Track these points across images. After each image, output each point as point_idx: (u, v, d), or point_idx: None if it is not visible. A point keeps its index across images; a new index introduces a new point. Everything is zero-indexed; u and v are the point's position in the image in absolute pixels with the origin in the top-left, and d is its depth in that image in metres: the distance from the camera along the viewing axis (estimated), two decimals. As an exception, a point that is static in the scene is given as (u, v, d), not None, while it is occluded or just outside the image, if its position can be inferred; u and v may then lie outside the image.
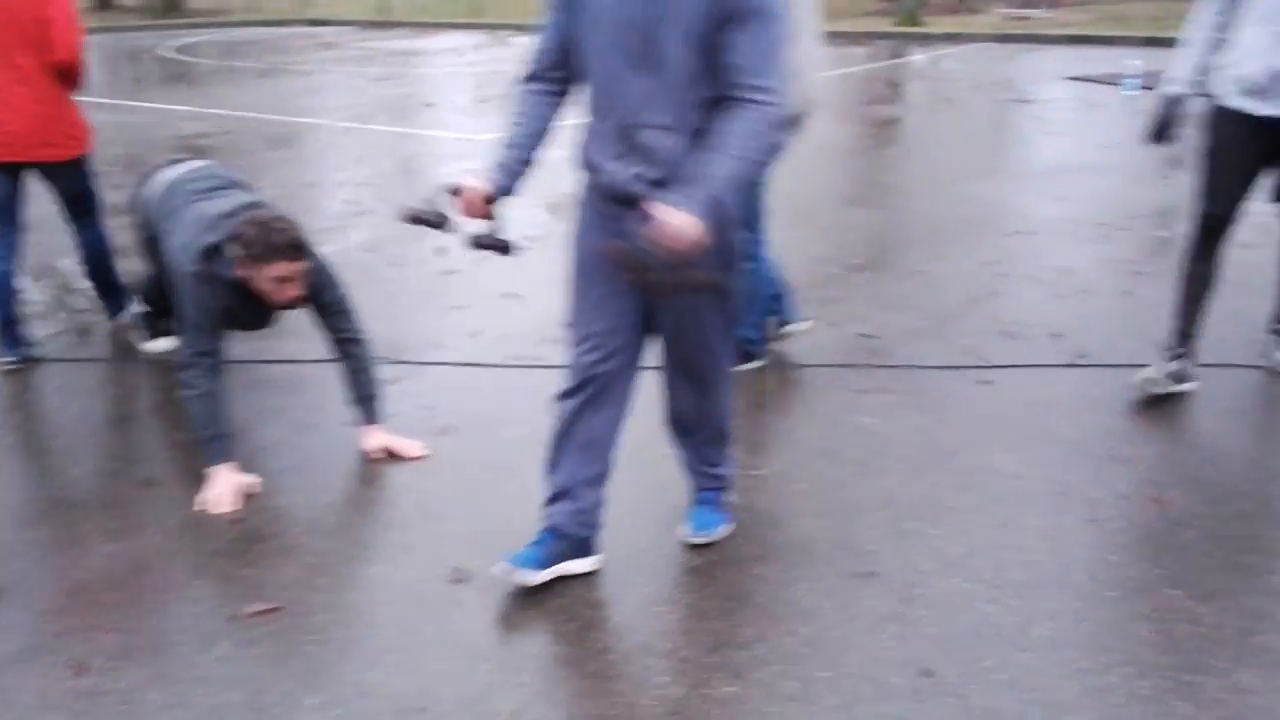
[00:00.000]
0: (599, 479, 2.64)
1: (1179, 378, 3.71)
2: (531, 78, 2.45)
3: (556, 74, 2.43)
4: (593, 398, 2.55)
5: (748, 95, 2.16)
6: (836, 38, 18.32)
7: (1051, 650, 2.42)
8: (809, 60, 3.52)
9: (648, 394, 3.61)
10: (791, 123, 3.58)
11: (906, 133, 9.07)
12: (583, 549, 2.68)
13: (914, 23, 18.84)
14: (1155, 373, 3.69)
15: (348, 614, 2.58)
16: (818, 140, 8.72)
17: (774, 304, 4.08)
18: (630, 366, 2.57)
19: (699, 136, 2.25)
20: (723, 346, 2.60)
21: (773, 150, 2.17)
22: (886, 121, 9.63)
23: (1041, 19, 19.35)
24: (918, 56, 15.12)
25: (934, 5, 20.21)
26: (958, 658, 2.39)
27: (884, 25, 19.19)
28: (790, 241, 5.71)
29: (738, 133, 2.16)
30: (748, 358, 3.99)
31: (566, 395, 2.58)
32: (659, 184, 2.30)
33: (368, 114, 10.48)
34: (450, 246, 5.70)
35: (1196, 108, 3.57)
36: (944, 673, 2.34)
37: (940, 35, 17.72)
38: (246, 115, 10.48)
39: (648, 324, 2.56)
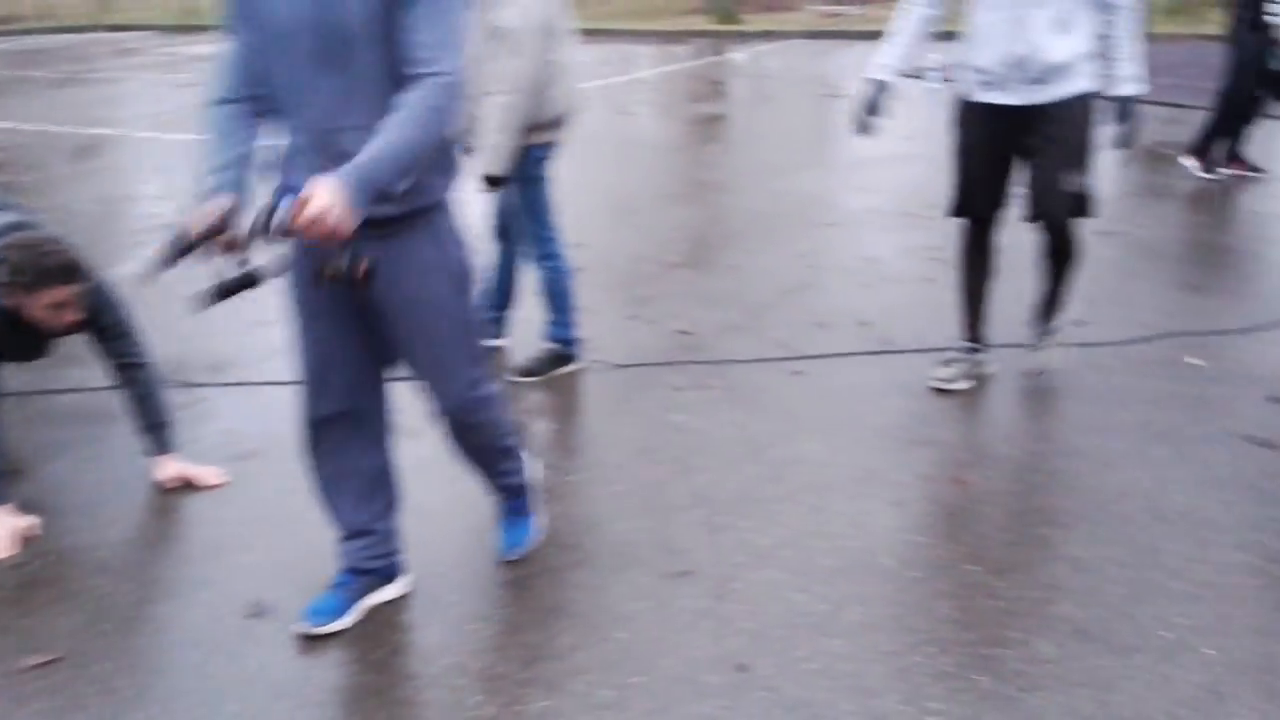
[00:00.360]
0: (389, 507, 2.54)
1: (970, 375, 3.77)
2: (222, 100, 2.22)
3: (248, 92, 2.22)
4: (346, 439, 2.42)
5: (422, 71, 2.04)
6: (655, 37, 18.51)
7: (860, 635, 2.46)
8: (567, 61, 3.55)
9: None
10: (556, 123, 3.60)
11: (726, 129, 9.22)
12: (387, 576, 2.58)
13: (731, 20, 19.20)
14: (946, 372, 3.78)
15: (136, 660, 2.42)
16: (640, 138, 8.77)
17: (501, 304, 4.06)
18: (373, 395, 2.43)
19: None
20: (471, 368, 2.40)
21: (447, 122, 2.05)
22: (706, 119, 9.77)
23: (853, 15, 20.01)
24: (736, 54, 15.40)
25: (751, 3, 20.64)
26: (770, 650, 2.41)
27: (702, 24, 19.50)
28: (609, 241, 5.71)
29: (408, 107, 2.02)
30: (564, 360, 3.95)
31: (316, 445, 2.43)
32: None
33: (171, 123, 9.99)
34: (251, 259, 5.46)
35: (900, 93, 3.63)
36: (757, 666, 2.35)
37: (756, 33, 18.10)
38: (39, 128, 9.84)
39: (386, 351, 2.42)
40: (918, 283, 4.92)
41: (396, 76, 2.07)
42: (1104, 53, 3.38)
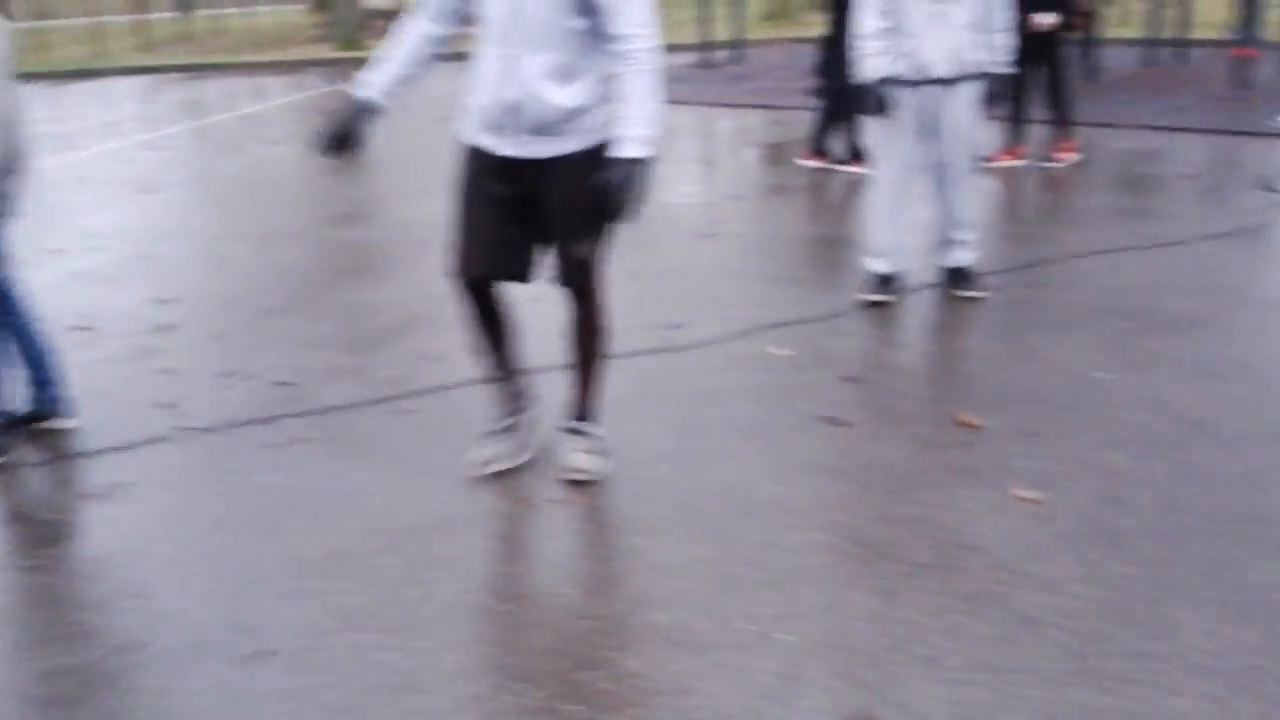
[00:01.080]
0: None
1: (513, 433, 3.35)
2: None
3: None
4: None
5: None
6: (276, 68, 17.78)
7: (448, 685, 2.35)
8: (19, 105, 3.39)
9: None
10: (10, 170, 3.41)
11: (348, 159, 8.91)
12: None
13: (355, 47, 18.78)
14: (489, 453, 3.34)
15: None
16: (247, 177, 8.30)
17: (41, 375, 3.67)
18: None
19: None
20: None
21: None
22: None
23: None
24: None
25: (373, 28, 20.27)
26: (353, 721, 2.26)
27: (326, 51, 18.95)
28: (200, 292, 5.31)
29: None
30: (39, 418, 3.68)
31: None
32: None
33: None
34: None
35: (380, 115, 3.13)
36: (336, 743, 2.19)
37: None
38: None
39: None
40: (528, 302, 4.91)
41: None
42: (615, 106, 2.97)
